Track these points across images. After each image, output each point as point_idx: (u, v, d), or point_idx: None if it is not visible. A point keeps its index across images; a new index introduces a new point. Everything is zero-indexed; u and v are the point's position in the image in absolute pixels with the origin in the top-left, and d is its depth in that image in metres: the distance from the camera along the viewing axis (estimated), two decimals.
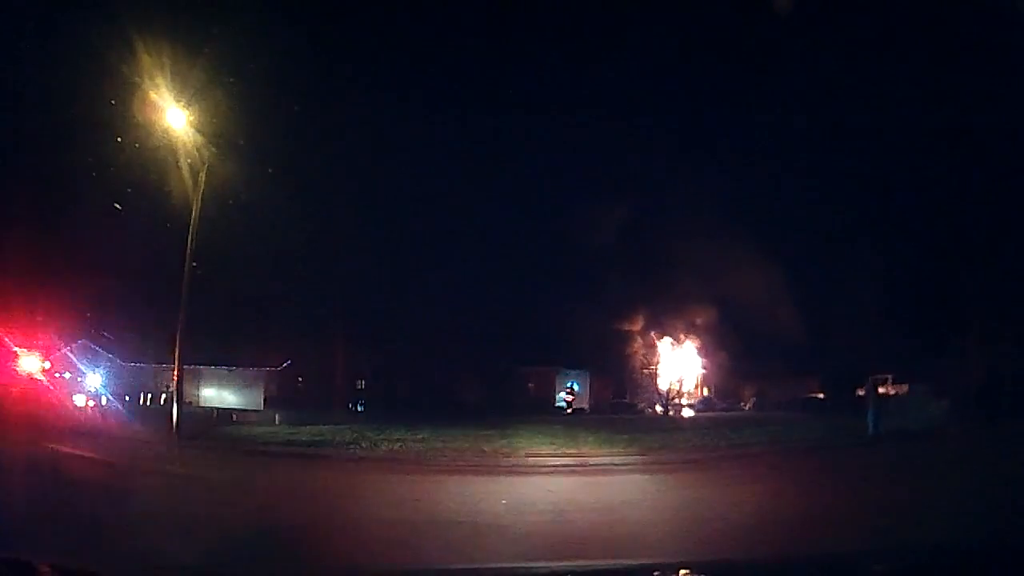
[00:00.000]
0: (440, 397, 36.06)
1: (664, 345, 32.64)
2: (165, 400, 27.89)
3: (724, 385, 41.66)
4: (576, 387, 40.91)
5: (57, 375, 26.92)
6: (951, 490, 9.07)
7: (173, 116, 16.61)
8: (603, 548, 6.64)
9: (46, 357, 27.61)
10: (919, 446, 15.70)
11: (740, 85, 42.38)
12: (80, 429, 18.98)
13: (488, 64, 45.88)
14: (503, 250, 41.15)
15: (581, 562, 5.68)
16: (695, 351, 33.19)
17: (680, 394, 33.85)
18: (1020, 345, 25.70)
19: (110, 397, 27.77)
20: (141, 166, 17.52)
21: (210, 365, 33.73)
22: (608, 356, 35.32)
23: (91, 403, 24.99)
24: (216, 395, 34.35)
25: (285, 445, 16.42)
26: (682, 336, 32.24)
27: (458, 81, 43.74)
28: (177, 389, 18.29)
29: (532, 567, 5.11)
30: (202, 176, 17.73)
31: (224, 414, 25.63)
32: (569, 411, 38.72)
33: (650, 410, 35.31)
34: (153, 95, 15.98)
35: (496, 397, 35.95)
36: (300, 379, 36.96)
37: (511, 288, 39.11)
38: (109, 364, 32.89)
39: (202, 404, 31.43)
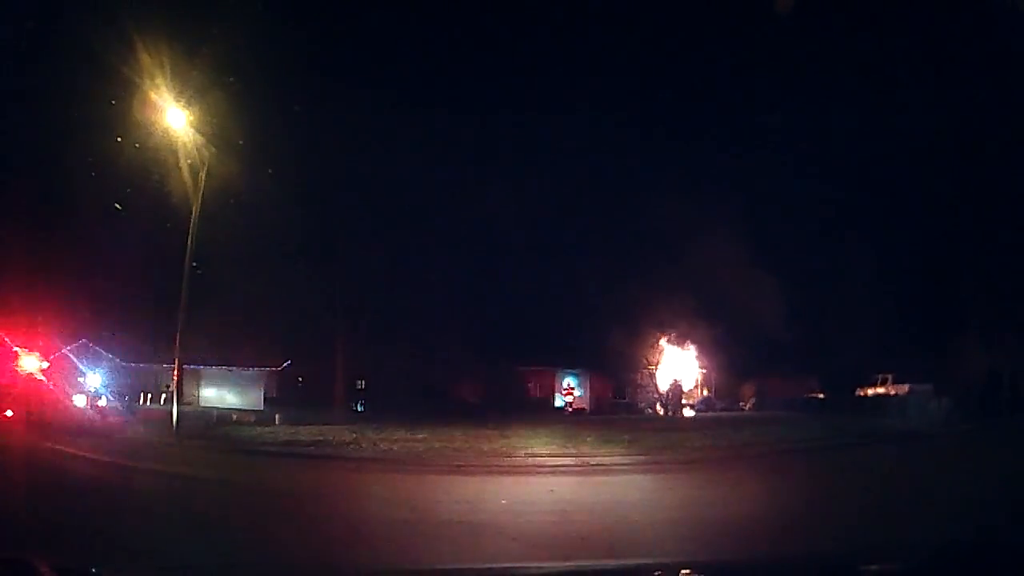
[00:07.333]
0: (440, 397, 36.02)
1: (664, 345, 32.60)
2: (165, 400, 27.90)
3: (724, 385, 41.66)
4: (574, 383, 40.87)
5: (57, 375, 26.89)
6: (943, 486, 9.09)
7: (173, 116, 16.64)
8: (603, 548, 6.63)
9: (46, 357, 27.59)
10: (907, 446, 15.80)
11: (740, 84, 42.47)
12: (80, 429, 19.00)
13: (489, 63, 45.89)
14: (503, 250, 41.05)
15: (581, 562, 5.68)
16: (695, 351, 33.15)
17: (680, 394, 33.80)
18: (1020, 344, 25.72)
19: (110, 397, 27.76)
20: (141, 166, 17.58)
21: (210, 365, 33.71)
22: (608, 356, 35.28)
23: (91, 403, 24.99)
24: (216, 395, 34.32)
25: (285, 445, 16.40)
26: (682, 336, 32.20)
27: (459, 79, 43.69)
28: (177, 389, 18.32)
29: (532, 567, 5.11)
30: (202, 176, 17.76)
31: (224, 414, 25.63)
32: (569, 411, 38.71)
33: (650, 410, 35.31)
34: (153, 95, 16.02)
35: (496, 397, 35.90)
36: (300, 379, 36.91)
37: (511, 288, 38.99)
38: (109, 364, 32.86)
39: (202, 404, 31.41)
